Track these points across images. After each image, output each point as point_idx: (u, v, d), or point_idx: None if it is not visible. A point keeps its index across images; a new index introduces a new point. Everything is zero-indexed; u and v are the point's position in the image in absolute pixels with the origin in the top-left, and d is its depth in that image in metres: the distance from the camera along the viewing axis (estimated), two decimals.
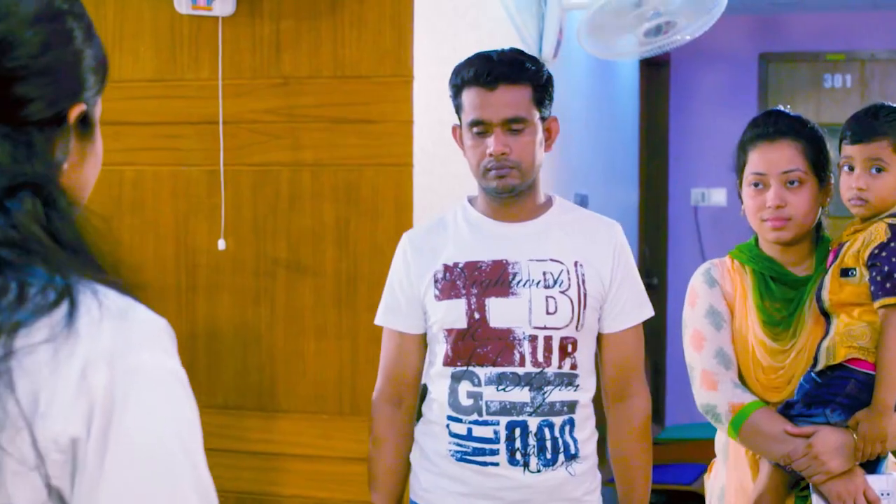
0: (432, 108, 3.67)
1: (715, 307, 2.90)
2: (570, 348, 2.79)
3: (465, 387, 2.80)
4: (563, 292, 2.79)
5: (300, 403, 3.69)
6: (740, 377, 2.87)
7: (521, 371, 2.76)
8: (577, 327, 2.80)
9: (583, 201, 5.70)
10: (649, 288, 7.71)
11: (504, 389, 2.76)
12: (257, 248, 3.73)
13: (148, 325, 1.21)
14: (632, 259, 2.92)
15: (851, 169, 2.79)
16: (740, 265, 2.93)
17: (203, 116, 3.74)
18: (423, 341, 2.92)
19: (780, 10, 7.83)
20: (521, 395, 2.76)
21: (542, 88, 2.82)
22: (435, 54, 3.74)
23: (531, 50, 4.56)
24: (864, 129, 2.78)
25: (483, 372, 2.78)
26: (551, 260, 2.82)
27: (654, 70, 7.90)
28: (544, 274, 2.80)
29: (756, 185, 2.86)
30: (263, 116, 3.71)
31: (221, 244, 3.70)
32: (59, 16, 1.28)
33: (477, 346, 2.79)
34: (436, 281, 2.84)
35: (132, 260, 1.27)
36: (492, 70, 2.78)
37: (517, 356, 2.77)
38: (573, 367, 2.80)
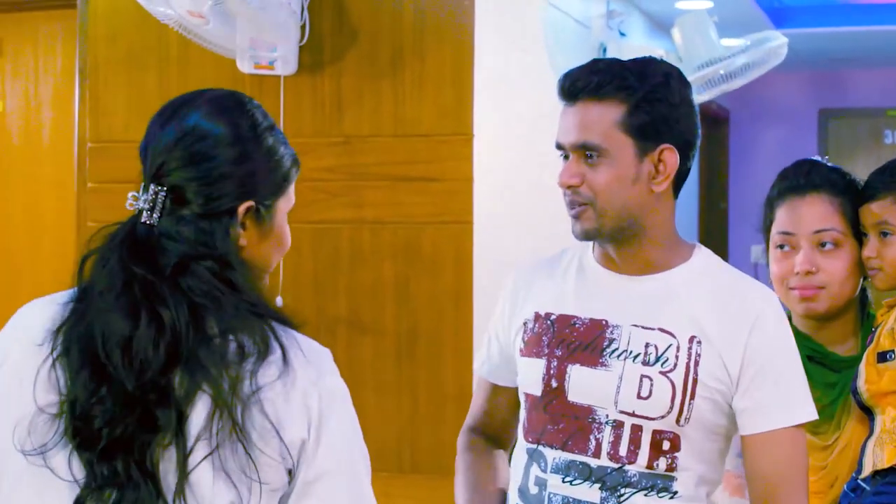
0: (493, 166, 3.68)
1: None
2: (666, 445, 2.10)
3: (534, 471, 2.18)
4: (664, 373, 2.10)
5: None
6: None
7: (593, 463, 2.12)
8: (678, 420, 2.09)
9: None
10: None
11: (570, 482, 2.13)
12: (318, 305, 3.75)
13: (325, 354, 1.70)
14: (789, 342, 2.16)
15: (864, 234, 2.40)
16: None
17: None
18: (517, 397, 2.30)
19: (840, 65, 7.80)
20: (590, 493, 2.11)
21: (644, 109, 2.09)
22: (495, 113, 3.75)
23: None
24: (871, 187, 2.39)
25: (551, 455, 2.15)
26: (660, 330, 2.12)
27: (714, 126, 7.87)
28: (646, 346, 2.12)
29: (782, 246, 2.44)
30: (324, 175, 3.74)
31: (279, 301, 3.71)
32: (246, 140, 1.70)
33: (549, 421, 2.17)
34: (524, 331, 2.23)
35: None
36: (569, 78, 2.13)
37: (592, 443, 2.12)
38: (670, 468, 2.11)
